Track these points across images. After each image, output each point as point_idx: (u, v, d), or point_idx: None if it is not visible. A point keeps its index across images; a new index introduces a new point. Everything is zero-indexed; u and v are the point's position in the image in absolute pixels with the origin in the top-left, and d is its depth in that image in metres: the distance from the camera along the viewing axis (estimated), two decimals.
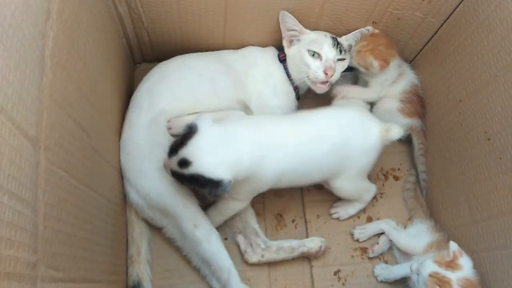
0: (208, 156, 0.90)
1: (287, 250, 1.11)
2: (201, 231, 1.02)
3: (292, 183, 1.08)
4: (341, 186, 1.10)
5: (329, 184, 1.11)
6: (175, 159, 0.91)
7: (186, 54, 1.18)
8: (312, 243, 1.13)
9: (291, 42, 1.17)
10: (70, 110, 0.72)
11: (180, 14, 1.10)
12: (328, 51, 1.12)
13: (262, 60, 1.21)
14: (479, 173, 1.02)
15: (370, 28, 1.19)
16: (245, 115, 1.11)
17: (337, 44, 1.14)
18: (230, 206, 1.07)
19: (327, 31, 1.21)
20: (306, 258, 1.15)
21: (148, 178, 1.03)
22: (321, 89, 1.15)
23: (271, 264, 1.14)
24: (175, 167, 0.91)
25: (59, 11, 0.68)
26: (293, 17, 1.13)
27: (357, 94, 1.26)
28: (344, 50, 1.16)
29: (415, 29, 1.21)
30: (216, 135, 0.92)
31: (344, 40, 1.19)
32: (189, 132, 0.91)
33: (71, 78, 0.73)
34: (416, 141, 1.25)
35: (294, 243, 1.12)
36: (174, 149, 0.92)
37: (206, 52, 1.20)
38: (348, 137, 1.04)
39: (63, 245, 0.68)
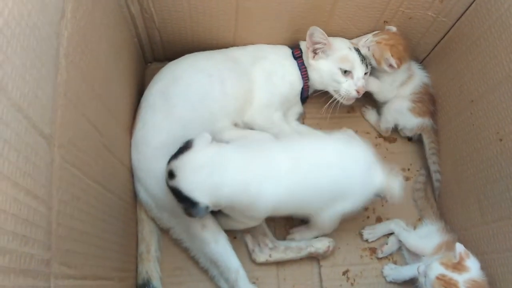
0: (192, 175, 0.89)
1: (294, 250, 1.11)
2: (209, 232, 1.03)
3: (285, 212, 1.06)
4: (324, 220, 1.06)
5: (313, 217, 1.07)
6: (167, 168, 0.93)
7: (195, 53, 1.18)
8: (320, 243, 1.13)
9: (315, 53, 1.18)
10: (83, 109, 0.73)
11: (191, 13, 1.10)
12: (359, 70, 1.15)
13: (274, 55, 1.21)
14: (490, 174, 1.01)
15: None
16: (269, 138, 1.11)
17: (363, 59, 1.17)
18: (238, 225, 1.07)
19: (338, 31, 1.21)
20: (315, 257, 1.15)
21: (159, 178, 1.02)
22: (349, 102, 1.20)
23: (279, 263, 1.14)
24: (166, 176, 0.93)
25: (73, 10, 0.69)
26: (322, 31, 1.13)
27: (375, 87, 1.24)
28: (369, 64, 1.19)
29: (427, 29, 1.20)
30: (207, 157, 0.91)
31: (361, 46, 1.20)
32: (185, 146, 0.92)
33: (84, 77, 0.74)
34: (426, 140, 1.24)
35: (302, 243, 1.12)
36: (170, 159, 0.93)
37: (215, 50, 1.20)
38: (350, 176, 1.00)
39: (75, 242, 0.69)
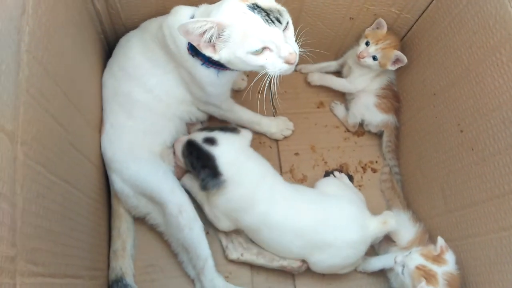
0: (232, 153, 1.02)
1: (267, 257, 1.11)
2: (185, 218, 1.03)
3: (267, 245, 1.09)
4: (316, 262, 1.08)
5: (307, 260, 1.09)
6: (205, 134, 1.03)
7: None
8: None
9: (213, 46, 0.86)
10: (47, 105, 0.72)
11: (159, 9, 1.10)
12: (272, 36, 0.84)
13: None
14: (452, 164, 1.05)
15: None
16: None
17: (267, 14, 0.84)
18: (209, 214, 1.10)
19: (306, 28, 1.21)
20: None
21: (137, 166, 1.05)
22: (289, 72, 0.89)
23: None
24: (198, 139, 1.02)
25: (34, 5, 0.68)
26: (194, 18, 0.91)
27: (340, 113, 1.34)
28: (279, 15, 0.86)
29: (391, 25, 1.24)
30: (246, 151, 1.05)
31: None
32: (233, 129, 1.05)
33: (48, 73, 0.73)
34: (385, 138, 1.28)
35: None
36: (208, 129, 1.05)
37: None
38: (332, 226, 1.04)
39: (42, 240, 0.68)
